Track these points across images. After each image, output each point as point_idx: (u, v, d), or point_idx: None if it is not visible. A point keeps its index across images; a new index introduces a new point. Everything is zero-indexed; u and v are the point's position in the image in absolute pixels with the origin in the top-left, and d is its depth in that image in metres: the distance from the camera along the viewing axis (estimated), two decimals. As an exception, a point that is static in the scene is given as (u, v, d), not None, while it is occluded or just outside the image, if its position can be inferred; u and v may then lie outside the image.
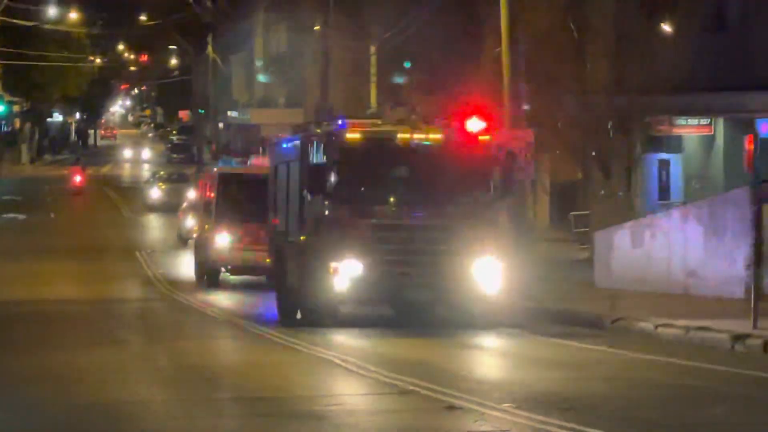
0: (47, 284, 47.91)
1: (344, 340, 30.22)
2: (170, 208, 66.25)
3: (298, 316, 32.64)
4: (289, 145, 34.96)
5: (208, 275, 45.99)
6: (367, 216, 30.43)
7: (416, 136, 30.94)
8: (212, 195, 45.32)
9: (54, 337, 30.94)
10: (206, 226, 45.42)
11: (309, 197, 31.27)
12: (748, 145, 28.05)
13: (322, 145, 30.93)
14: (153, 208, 73.77)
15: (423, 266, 30.52)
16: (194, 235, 53.85)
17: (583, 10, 46.09)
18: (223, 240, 44.27)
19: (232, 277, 46.60)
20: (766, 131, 37.14)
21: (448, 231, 30.63)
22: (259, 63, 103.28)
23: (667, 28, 45.06)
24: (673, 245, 36.63)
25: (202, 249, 46.30)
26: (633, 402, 20.62)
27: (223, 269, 45.98)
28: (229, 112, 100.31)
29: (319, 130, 32.11)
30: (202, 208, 48.63)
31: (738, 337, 26.69)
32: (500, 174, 31.76)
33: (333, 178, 30.28)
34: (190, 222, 57.37)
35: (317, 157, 31.01)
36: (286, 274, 33.70)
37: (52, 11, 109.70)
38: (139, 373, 24.79)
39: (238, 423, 18.91)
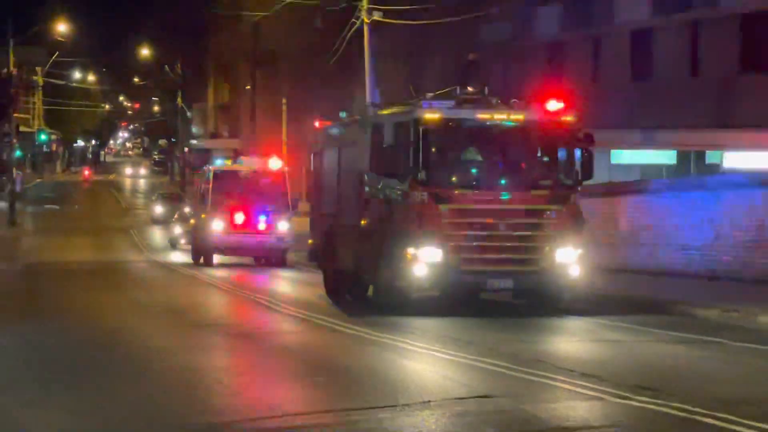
0: (72, 251, 47.46)
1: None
2: (169, 219, 60.41)
3: (348, 297, 23.59)
4: (344, 129, 24.87)
5: (205, 256, 37.99)
6: (446, 200, 20.03)
7: (497, 116, 20.64)
8: (207, 188, 37.74)
9: (75, 285, 30.43)
10: (203, 215, 37.95)
11: (380, 180, 21.20)
12: None
13: (399, 126, 20.64)
14: (157, 221, 66.47)
15: (506, 253, 20.21)
16: (178, 232, 48.70)
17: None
18: (218, 225, 36.52)
19: (224, 258, 38.86)
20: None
21: (533, 216, 20.38)
22: (189, 114, 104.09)
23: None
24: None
25: (199, 234, 38.84)
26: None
27: (216, 251, 37.64)
28: (191, 141, 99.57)
29: (392, 111, 21.89)
30: (199, 200, 39.77)
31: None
32: (581, 156, 20.80)
33: (410, 160, 20.04)
34: (179, 230, 49.08)
35: (390, 138, 20.63)
36: (337, 257, 23.84)
37: (76, 74, 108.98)
38: (123, 306, 24.35)
39: (189, 336, 18.29)
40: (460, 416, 11.13)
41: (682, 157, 39.68)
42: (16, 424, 11.14)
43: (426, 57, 51.13)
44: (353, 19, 39.13)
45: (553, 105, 20.53)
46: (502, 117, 20.59)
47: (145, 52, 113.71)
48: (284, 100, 63.74)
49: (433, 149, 20.30)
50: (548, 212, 20.31)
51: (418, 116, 20.10)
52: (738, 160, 36.01)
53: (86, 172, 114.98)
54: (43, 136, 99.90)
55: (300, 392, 13.18)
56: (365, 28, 38.39)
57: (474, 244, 20.05)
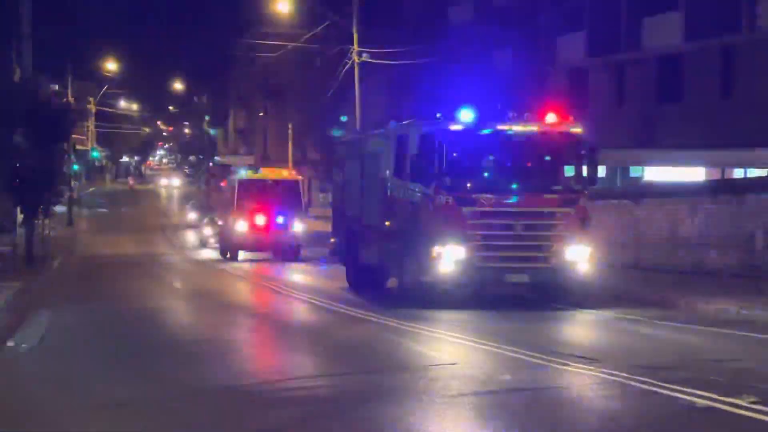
0: (119, 246, 47.27)
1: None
2: (200, 223, 57.64)
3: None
4: (367, 140, 22.59)
5: (230, 252, 36.79)
6: (469, 203, 18.02)
7: (515, 127, 18.50)
8: (233, 194, 36.50)
9: (118, 273, 30.38)
10: (229, 217, 36.77)
11: (406, 185, 19.04)
12: None
13: (424, 137, 18.45)
14: (190, 225, 63.00)
15: (522, 250, 18.18)
16: (208, 233, 46.96)
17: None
18: (242, 225, 35.34)
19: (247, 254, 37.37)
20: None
21: (546, 217, 18.31)
22: (213, 132, 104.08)
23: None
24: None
25: (226, 233, 37.73)
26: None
27: (241, 248, 36.37)
28: (215, 157, 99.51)
29: (417, 123, 19.23)
30: (226, 204, 38.19)
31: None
32: (587, 163, 19.02)
33: (436, 167, 18.09)
34: (209, 231, 47.70)
35: (416, 148, 18.50)
36: (359, 254, 21.98)
37: (122, 103, 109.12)
38: (161, 291, 24.40)
39: (214, 314, 18.28)
40: (431, 379, 11.24)
41: (611, 170, 39.86)
42: (77, 383, 11.25)
43: (405, 88, 51.19)
44: (346, 60, 39.28)
45: (562, 118, 18.85)
46: (519, 128, 18.57)
47: (178, 85, 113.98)
48: (290, 125, 63.79)
49: (457, 157, 18.39)
50: (559, 214, 18.38)
51: (444, 127, 18.29)
52: (656, 173, 36.16)
53: (130, 182, 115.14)
54: (95, 153, 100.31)
55: (305, 360, 13.24)
56: (355, 67, 38.57)
57: (493, 242, 18.10)
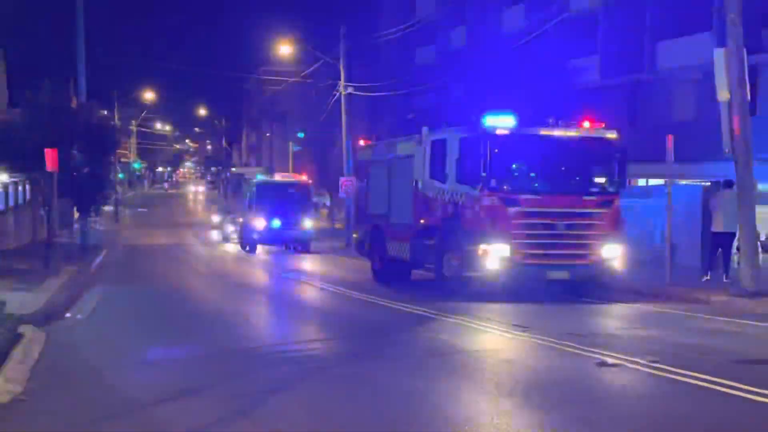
0: (155, 238, 47.01)
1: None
2: (222, 223, 56.29)
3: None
4: (396, 145, 19.50)
5: (249, 245, 34.97)
6: (514, 203, 15.47)
7: (556, 133, 15.88)
8: (252, 195, 34.64)
9: (155, 259, 30.22)
10: (249, 215, 34.91)
11: (445, 186, 16.61)
12: None
13: (466, 141, 16.02)
14: (214, 227, 63.36)
15: (563, 248, 15.63)
16: (230, 230, 44.60)
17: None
18: (260, 222, 33.80)
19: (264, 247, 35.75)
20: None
21: (585, 217, 15.76)
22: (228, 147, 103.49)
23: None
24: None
25: (246, 228, 35.78)
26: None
27: (259, 242, 34.21)
28: (231, 168, 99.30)
29: (456, 129, 16.72)
30: (246, 203, 35.81)
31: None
32: (619, 167, 16.34)
33: (481, 169, 15.46)
34: (231, 228, 45.18)
35: (457, 152, 16.21)
36: (385, 249, 19.37)
37: (158, 125, 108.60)
38: (190, 274, 24.26)
39: (234, 292, 18.23)
40: (407, 344, 11.29)
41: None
42: (120, 345, 11.22)
43: (381, 114, 51.28)
44: (335, 92, 39.29)
45: (598, 124, 16.34)
46: (559, 133, 15.97)
47: (202, 111, 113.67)
48: (290, 143, 63.73)
49: (502, 160, 15.70)
50: (596, 214, 15.88)
51: (490, 133, 15.55)
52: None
53: (166, 186, 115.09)
54: (136, 165, 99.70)
55: (304, 329, 13.20)
56: (342, 98, 38.56)
57: (536, 241, 15.57)
